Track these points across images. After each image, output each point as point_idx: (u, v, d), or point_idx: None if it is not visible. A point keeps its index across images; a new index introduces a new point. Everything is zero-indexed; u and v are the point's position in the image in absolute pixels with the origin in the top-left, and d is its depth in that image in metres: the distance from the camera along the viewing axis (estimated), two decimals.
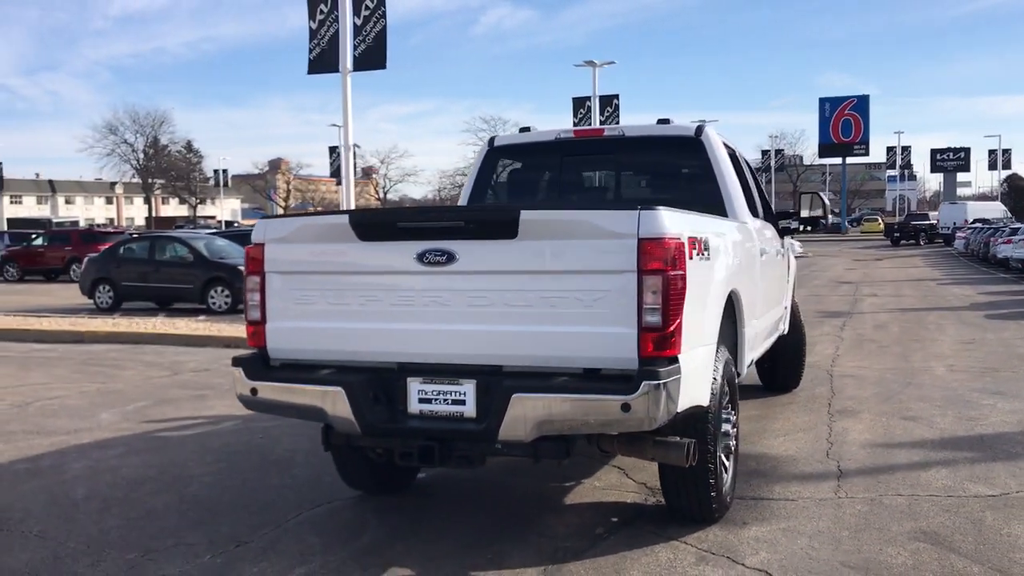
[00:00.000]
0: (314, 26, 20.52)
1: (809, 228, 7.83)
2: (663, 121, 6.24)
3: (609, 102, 36.26)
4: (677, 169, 6.32)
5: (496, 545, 4.58)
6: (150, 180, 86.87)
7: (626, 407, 3.75)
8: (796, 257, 9.06)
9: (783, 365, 8.48)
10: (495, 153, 6.60)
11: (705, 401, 4.38)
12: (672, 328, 3.87)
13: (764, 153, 77.50)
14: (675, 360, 3.92)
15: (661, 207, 3.96)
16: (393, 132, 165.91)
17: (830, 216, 8.59)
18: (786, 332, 8.16)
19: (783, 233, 7.79)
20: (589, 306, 3.90)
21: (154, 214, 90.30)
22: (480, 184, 6.59)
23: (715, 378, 4.58)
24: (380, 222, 4.23)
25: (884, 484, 5.53)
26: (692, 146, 6.00)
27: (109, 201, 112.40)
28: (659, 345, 3.86)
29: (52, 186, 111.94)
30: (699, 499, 4.66)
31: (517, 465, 5.51)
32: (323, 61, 21.22)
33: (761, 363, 8.41)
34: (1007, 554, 4.37)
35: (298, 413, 4.34)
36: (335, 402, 4.14)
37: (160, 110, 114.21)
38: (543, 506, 5.24)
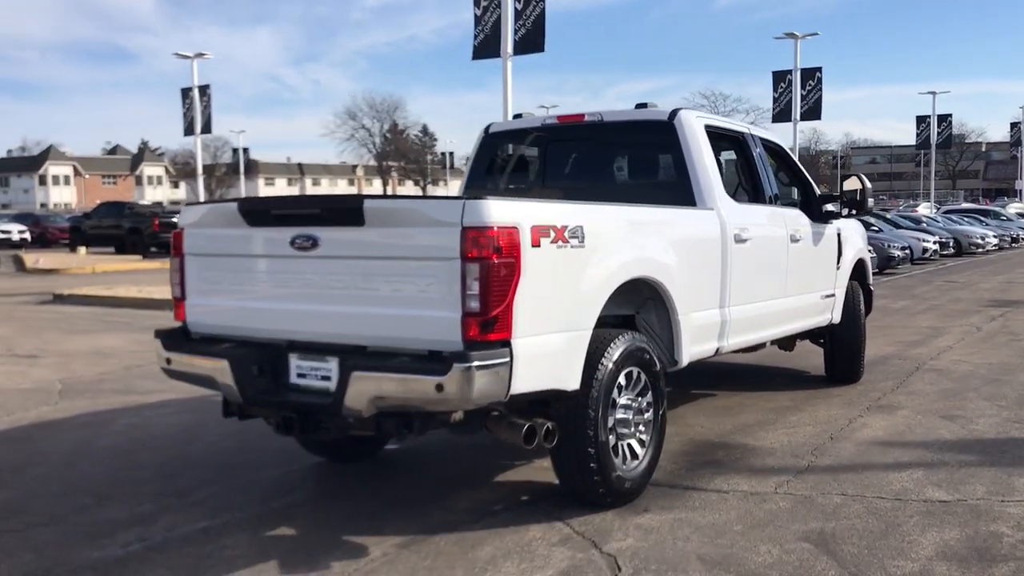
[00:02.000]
0: (479, 13, 21.30)
1: (854, 212, 7.45)
2: (641, 105, 6.21)
3: (811, 75, 34.65)
4: (651, 153, 6.27)
5: (391, 515, 4.87)
6: (386, 163, 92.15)
7: (440, 387, 3.93)
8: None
9: (839, 357, 8.11)
10: (491, 139, 6.82)
11: (571, 386, 4.44)
12: (496, 313, 3.99)
13: (1013, 127, 70.83)
14: (505, 344, 4.04)
15: (492, 197, 4.09)
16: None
17: (870, 200, 7.90)
18: (836, 322, 7.81)
19: (827, 217, 7.46)
20: (423, 291, 4.09)
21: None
22: (477, 167, 6.85)
23: (600, 364, 4.62)
24: (259, 209, 4.61)
25: (836, 483, 5.29)
26: (665, 130, 5.94)
27: (351, 183, 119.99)
28: (484, 329, 3.99)
29: (301, 169, 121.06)
30: (584, 483, 4.73)
31: (490, 445, 5.66)
32: (486, 46, 21.91)
33: (826, 354, 8.13)
34: (886, 561, 4.14)
35: (201, 383, 4.82)
36: (223, 373, 4.57)
37: (395, 96, 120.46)
38: (471, 482, 5.45)
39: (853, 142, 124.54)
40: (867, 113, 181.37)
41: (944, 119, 49.59)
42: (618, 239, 4.76)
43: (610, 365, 4.68)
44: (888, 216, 30.38)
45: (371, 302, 4.26)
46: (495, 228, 3.98)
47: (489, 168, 6.83)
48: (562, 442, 4.66)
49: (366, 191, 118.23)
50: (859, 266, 8.35)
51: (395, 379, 4.04)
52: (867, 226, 25.23)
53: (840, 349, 8.10)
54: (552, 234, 4.27)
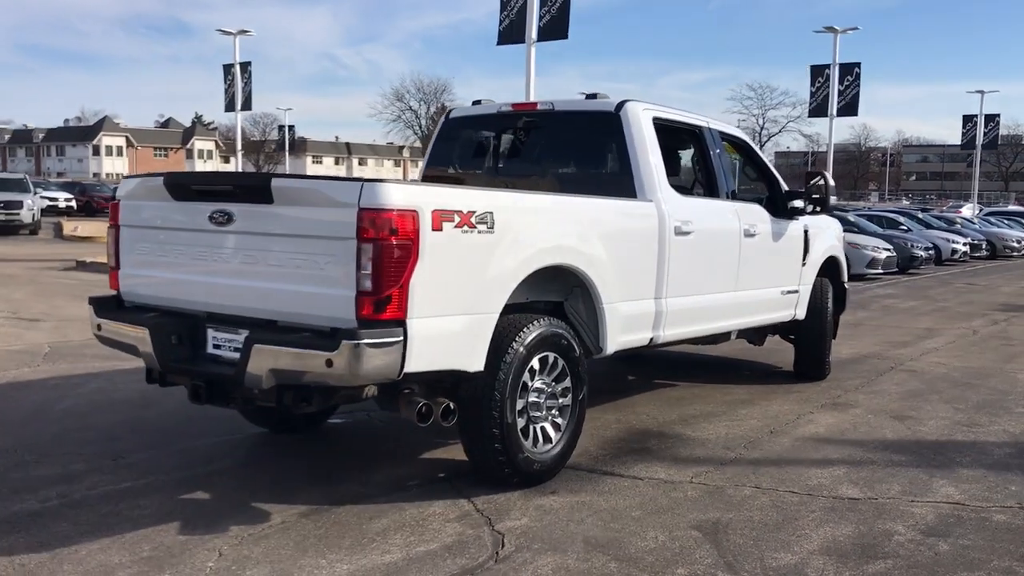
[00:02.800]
0: None
1: (818, 209, 7.46)
2: (591, 96, 6.28)
3: (850, 71, 34.14)
4: (598, 143, 6.32)
5: (307, 485, 5.03)
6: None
7: (329, 362, 4.07)
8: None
9: (804, 353, 8.13)
10: (451, 123, 6.93)
11: (473, 367, 4.55)
12: (390, 293, 4.12)
13: None
14: (399, 324, 4.17)
15: (392, 181, 4.21)
16: (683, 100, 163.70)
17: (832, 198, 7.86)
18: (800, 318, 7.82)
19: (793, 214, 7.47)
20: (324, 269, 4.23)
21: None
22: (437, 150, 6.98)
23: (510, 348, 4.73)
24: (182, 184, 4.77)
25: (754, 476, 5.35)
26: (611, 121, 6.01)
27: (397, 164, 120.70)
28: (378, 308, 4.12)
29: (348, 148, 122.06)
30: (489, 462, 4.85)
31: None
32: (511, 32, 21.99)
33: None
34: (766, 553, 4.21)
35: (126, 349, 5.00)
36: (143, 341, 4.76)
37: (442, 79, 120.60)
38: (398, 457, 5.59)
39: (905, 140, 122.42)
40: (922, 111, 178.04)
41: (992, 119, 48.52)
42: (532, 227, 4.84)
43: (521, 349, 4.78)
44: (919, 216, 29.95)
45: (280, 278, 4.41)
46: (392, 210, 4.10)
47: (448, 152, 6.95)
48: (468, 422, 4.79)
49: (411, 173, 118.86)
50: (831, 263, 8.34)
51: (290, 353, 4.19)
52: (894, 224, 24.99)
53: (805, 346, 8.12)
54: (456, 219, 4.38)
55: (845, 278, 8.70)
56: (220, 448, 5.73)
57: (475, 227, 4.47)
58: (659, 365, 8.96)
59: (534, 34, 21.85)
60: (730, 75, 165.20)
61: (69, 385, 7.39)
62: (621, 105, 6.01)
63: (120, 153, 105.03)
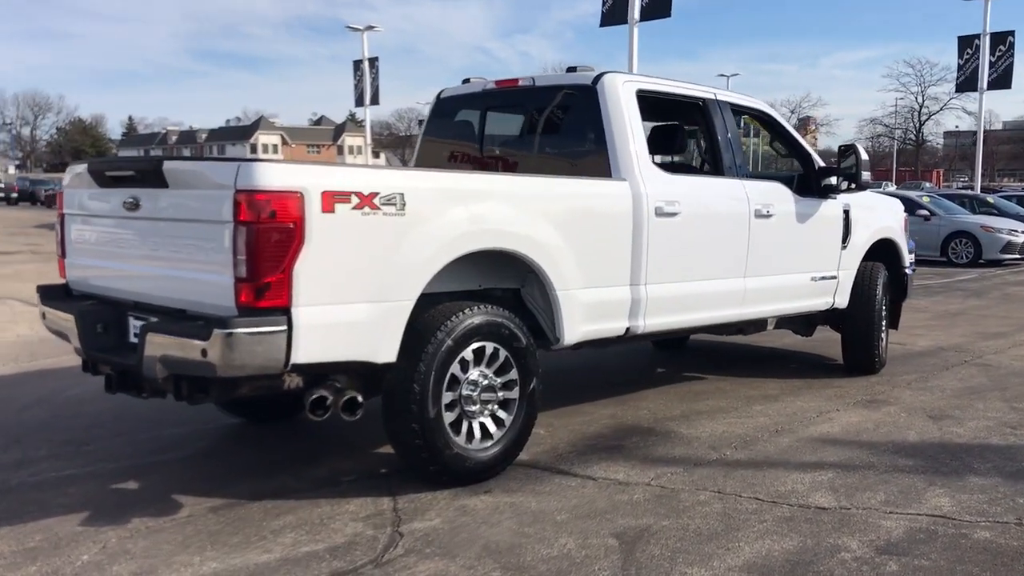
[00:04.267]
0: None
1: (852, 186, 6.79)
2: (571, 69, 5.88)
3: (1002, 40, 31.74)
4: (576, 119, 5.91)
5: (240, 478, 4.90)
6: None
7: (204, 352, 3.90)
8: None
9: (851, 345, 7.47)
10: (442, 103, 6.66)
11: (382, 358, 4.29)
12: (270, 280, 3.91)
13: None
14: (283, 312, 3.96)
15: (276, 161, 4.00)
16: (846, 79, 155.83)
17: (865, 174, 7.02)
18: (841, 306, 7.17)
19: (826, 192, 6.85)
20: (209, 255, 4.07)
21: None
22: (430, 131, 6.74)
23: (433, 338, 4.45)
24: (99, 170, 4.70)
25: (723, 480, 4.87)
26: (588, 95, 5.61)
27: None
28: (259, 295, 3.92)
29: None
30: (411, 458, 4.59)
31: None
32: (613, 14, 21.52)
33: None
34: (678, 568, 3.78)
35: (63, 337, 5.00)
36: (71, 329, 4.74)
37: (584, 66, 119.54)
38: (351, 451, 5.39)
39: None
40: None
41: None
42: (454, 209, 4.52)
43: (447, 340, 4.49)
44: None
45: (180, 264, 4.28)
46: (269, 192, 3.89)
47: (439, 132, 6.69)
48: (388, 415, 4.55)
49: None
50: (886, 247, 7.61)
51: (173, 342, 4.04)
52: (986, 206, 22.77)
53: (851, 337, 7.44)
54: (355, 200, 4.12)
55: (906, 263, 7.91)
56: (186, 437, 5.68)
57: (378, 209, 4.21)
58: (697, 357, 8.44)
59: (636, 14, 21.34)
60: (899, 51, 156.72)
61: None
62: (599, 78, 5.60)
63: (275, 151, 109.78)
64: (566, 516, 4.32)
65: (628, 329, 5.51)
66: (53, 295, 5.09)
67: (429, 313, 4.54)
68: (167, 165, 4.19)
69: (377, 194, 4.20)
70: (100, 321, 4.68)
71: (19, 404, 6.47)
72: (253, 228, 3.85)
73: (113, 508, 4.42)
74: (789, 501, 4.54)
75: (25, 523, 4.23)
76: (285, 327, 3.95)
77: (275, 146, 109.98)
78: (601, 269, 5.27)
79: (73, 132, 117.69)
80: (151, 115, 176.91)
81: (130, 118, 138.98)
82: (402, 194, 4.28)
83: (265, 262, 3.88)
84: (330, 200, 4.04)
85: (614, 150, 5.45)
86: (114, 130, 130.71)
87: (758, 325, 6.93)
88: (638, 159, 5.47)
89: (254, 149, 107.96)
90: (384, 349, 4.29)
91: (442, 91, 6.70)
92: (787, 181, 6.76)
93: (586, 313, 5.17)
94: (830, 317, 7.42)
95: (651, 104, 5.85)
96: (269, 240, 3.88)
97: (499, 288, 5.16)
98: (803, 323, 7.40)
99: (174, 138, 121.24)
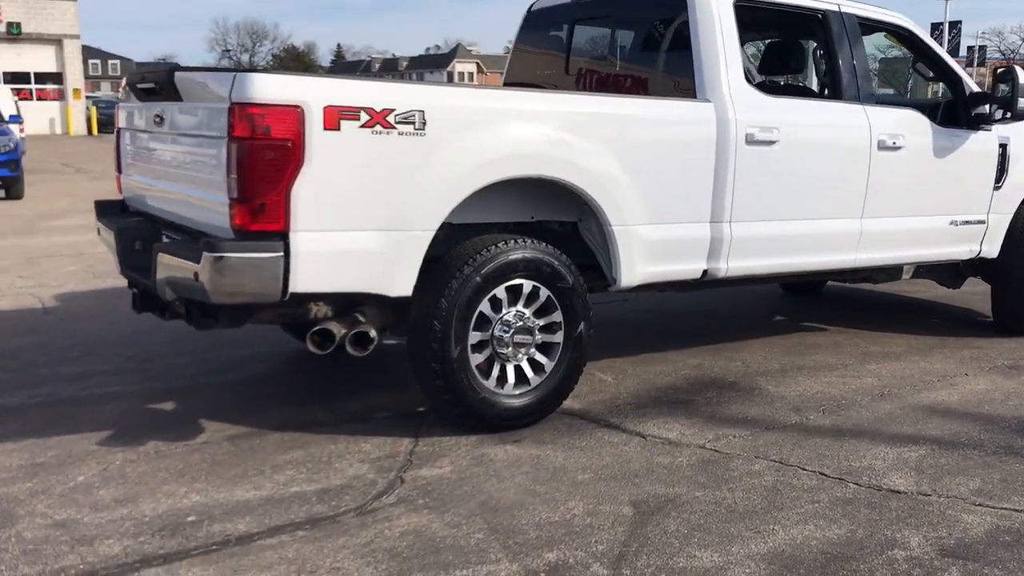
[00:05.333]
0: None
1: (1008, 115, 5.80)
2: None
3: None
4: (666, 31, 5.23)
5: (272, 407, 4.74)
6: None
7: (196, 276, 3.69)
8: None
9: (1002, 301, 6.50)
10: (532, 16, 6.13)
11: (395, 291, 3.95)
12: (265, 201, 3.63)
13: None
14: (280, 237, 3.69)
15: (277, 71, 3.69)
16: None
17: (1023, 101, 5.76)
18: (991, 256, 6.23)
19: (977, 122, 5.90)
20: (212, 172, 3.83)
21: None
22: (519, 46, 6.24)
23: (458, 273, 4.08)
24: (132, 82, 4.54)
25: (789, 448, 4.28)
26: (678, 6, 4.96)
27: None
28: (254, 218, 3.65)
29: None
30: (433, 400, 4.27)
31: None
32: None
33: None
34: (685, 550, 3.28)
35: (113, 252, 4.95)
36: (112, 245, 4.68)
37: None
38: (394, 386, 5.13)
39: None
40: None
41: None
42: (484, 130, 4.07)
43: (475, 276, 4.10)
44: None
45: (195, 183, 4.08)
46: (264, 105, 3.58)
47: (528, 47, 6.19)
48: (409, 353, 4.24)
49: None
50: None
51: (176, 264, 3.86)
52: None
53: (1003, 291, 6.46)
54: (364, 117, 3.76)
55: None
56: (247, 359, 5.59)
57: (393, 128, 3.82)
58: (826, 305, 7.64)
59: None
60: None
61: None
62: None
63: (471, 79, 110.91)
64: (589, 476, 3.88)
65: (706, 272, 4.91)
66: (108, 211, 5.05)
67: (459, 246, 4.15)
68: (179, 76, 3.97)
69: (391, 111, 3.81)
70: (139, 239, 4.58)
71: (110, 318, 6.60)
72: (246, 145, 3.57)
73: (136, 429, 4.36)
74: (859, 480, 3.90)
75: (48, 437, 4.23)
76: (282, 253, 3.67)
77: (471, 74, 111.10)
78: (672, 203, 4.69)
79: (287, 59, 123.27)
80: (358, 43, 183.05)
81: (339, 46, 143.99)
82: (422, 112, 3.87)
83: (259, 182, 3.60)
84: (334, 116, 3.69)
85: (700, 67, 4.80)
86: (324, 58, 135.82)
87: (889, 273, 6.10)
88: (728, 78, 4.79)
89: (450, 77, 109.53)
90: (398, 282, 3.95)
91: (533, 3, 6.17)
92: (928, 109, 5.84)
93: (650, 252, 4.63)
94: (981, 268, 6.46)
95: (757, 16, 5.13)
96: (263, 158, 3.59)
97: (555, 221, 4.69)
98: (947, 273, 6.49)
99: (377, 66, 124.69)
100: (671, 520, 3.48)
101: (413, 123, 3.86)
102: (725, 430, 4.47)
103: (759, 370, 5.53)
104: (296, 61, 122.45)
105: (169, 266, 3.89)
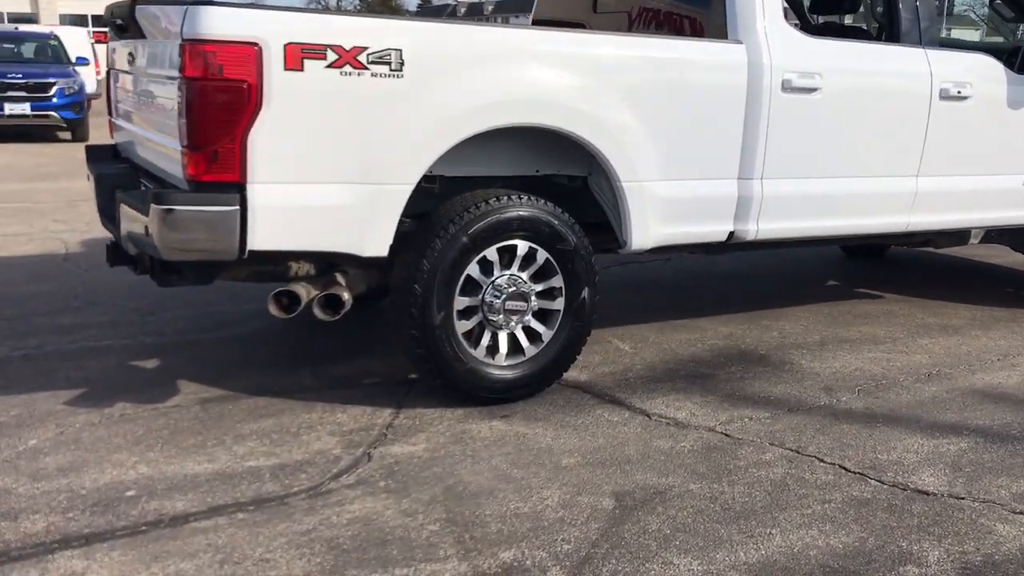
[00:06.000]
0: None
1: None
2: None
3: None
4: None
5: (261, 369, 4.48)
6: None
7: (146, 230, 3.40)
8: None
9: None
10: None
11: (368, 251, 3.59)
12: (217, 149, 3.30)
13: None
14: (235, 189, 3.36)
15: (232, 3, 3.32)
16: None
17: None
18: None
19: None
20: (170, 116, 3.51)
21: None
22: None
23: (441, 232, 3.71)
24: (110, 20, 4.23)
25: (810, 435, 3.83)
26: None
27: None
28: (208, 167, 3.33)
29: None
30: (417, 369, 3.94)
31: None
32: None
33: None
34: (659, 555, 2.90)
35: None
36: (94, 192, 4.42)
37: None
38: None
39: None
40: None
41: None
42: (472, 72, 3.65)
43: (462, 237, 3.72)
44: None
45: (159, 128, 3.78)
46: (217, 42, 3.23)
47: None
48: (391, 318, 3.90)
49: None
50: None
51: (131, 216, 3.57)
52: None
53: None
54: (331, 56, 3.38)
55: None
56: (252, 314, 5.33)
57: (365, 68, 3.44)
58: (888, 270, 7.04)
59: None
60: None
61: None
62: None
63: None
64: (575, 460, 3.50)
65: (732, 234, 4.43)
66: (98, 156, 4.80)
67: (445, 203, 3.77)
68: (139, 10, 3.65)
69: (364, 49, 3.42)
70: (118, 187, 4.30)
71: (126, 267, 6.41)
72: (196, 86, 3.23)
73: (110, 388, 4.14)
74: (882, 476, 3.44)
75: (18, 394, 4.04)
76: (237, 207, 3.34)
77: None
78: (694, 157, 4.21)
79: (374, 3, 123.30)
80: None
81: None
82: (399, 51, 3.47)
83: (211, 127, 3.26)
84: (296, 55, 3.32)
85: (732, 4, 4.27)
86: (411, 2, 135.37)
87: (954, 237, 5.50)
88: (764, 17, 4.26)
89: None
90: (371, 241, 3.59)
91: None
92: (1005, 54, 5.17)
93: (666, 211, 4.17)
94: None
95: None
96: (215, 101, 3.25)
97: (563, 175, 4.26)
98: (1017, 238, 5.84)
99: (463, 10, 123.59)
100: (654, 517, 3.08)
101: (389, 63, 3.46)
102: (741, 411, 4.03)
103: (795, 342, 5.04)
104: (382, 5, 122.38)
105: (129, 218, 3.61)
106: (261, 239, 3.40)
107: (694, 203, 4.25)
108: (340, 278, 3.83)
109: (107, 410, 3.88)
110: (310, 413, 3.89)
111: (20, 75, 14.18)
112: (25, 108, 14.03)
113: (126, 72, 4.23)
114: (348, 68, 3.40)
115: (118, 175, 4.31)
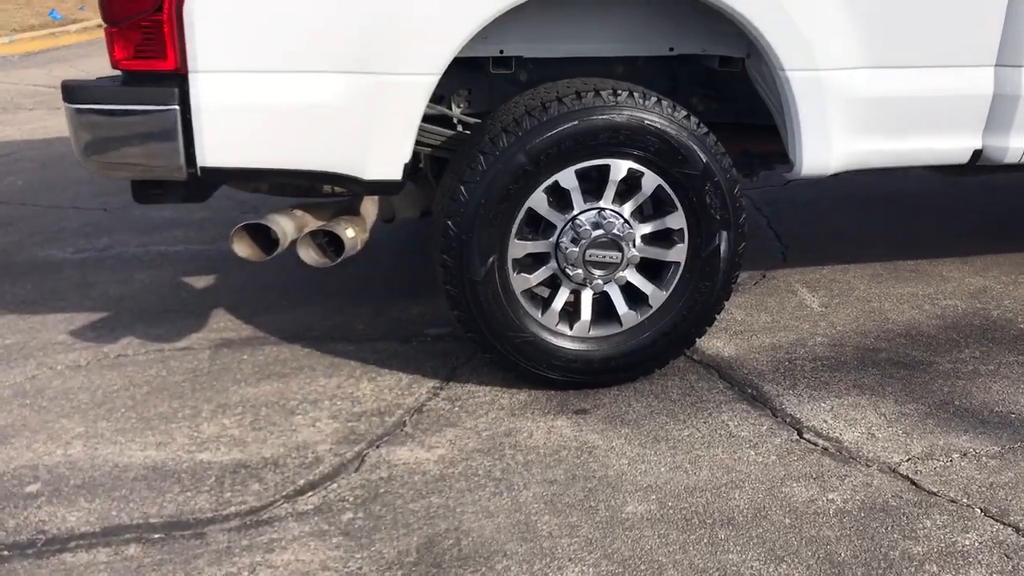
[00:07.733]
0: None
1: None
2: None
3: None
4: None
5: (316, 308, 3.60)
6: None
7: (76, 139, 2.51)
8: None
9: None
10: None
11: (369, 173, 2.49)
12: (140, 23, 2.32)
13: None
14: (175, 80, 2.37)
15: None
16: None
17: None
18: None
19: None
20: None
21: None
22: None
23: (486, 149, 2.54)
24: None
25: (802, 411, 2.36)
26: None
27: None
28: (136, 51, 2.37)
29: None
30: (468, 335, 2.80)
31: None
32: None
33: None
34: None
35: None
36: None
37: None
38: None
39: None
40: None
41: None
42: None
43: (518, 153, 2.52)
44: None
45: None
46: None
47: None
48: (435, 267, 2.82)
49: None
50: None
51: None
52: None
53: None
54: None
55: None
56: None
57: None
58: None
59: None
60: None
61: None
62: None
63: None
64: (647, 510, 2.31)
65: (980, 153, 2.85)
66: None
67: (503, 106, 2.58)
68: None
69: None
70: None
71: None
72: None
73: (130, 315, 3.46)
74: (985, 528, 1.93)
75: (34, 315, 3.48)
76: (176, 106, 2.35)
77: None
78: (916, 30, 2.66)
79: None
80: None
81: None
82: None
83: None
84: None
85: None
86: None
87: None
88: None
89: None
90: (374, 157, 2.48)
91: None
92: None
93: (863, 116, 2.70)
94: None
95: None
96: None
97: (710, 55, 2.87)
98: None
99: None
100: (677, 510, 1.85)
101: None
102: (952, 438, 2.58)
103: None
104: None
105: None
106: (214, 153, 2.41)
107: (914, 104, 2.72)
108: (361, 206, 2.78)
109: (105, 347, 3.17)
110: (328, 379, 2.95)
111: None
112: None
113: None
114: None
115: None
